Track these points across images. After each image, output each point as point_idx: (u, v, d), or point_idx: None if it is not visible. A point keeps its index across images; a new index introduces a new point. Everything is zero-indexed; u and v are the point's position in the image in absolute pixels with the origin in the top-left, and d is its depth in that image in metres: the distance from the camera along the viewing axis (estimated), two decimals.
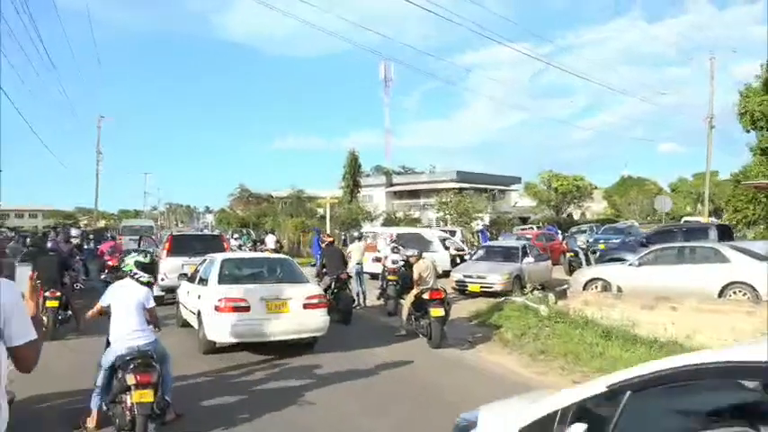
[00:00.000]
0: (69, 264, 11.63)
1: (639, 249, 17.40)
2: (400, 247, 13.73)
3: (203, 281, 9.19)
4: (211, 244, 14.33)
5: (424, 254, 11.02)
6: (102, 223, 66.47)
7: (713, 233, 16.40)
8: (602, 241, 31.54)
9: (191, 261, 12.52)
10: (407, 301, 10.03)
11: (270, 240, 25.68)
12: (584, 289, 14.25)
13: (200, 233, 21.37)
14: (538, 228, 35.11)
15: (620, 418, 2.19)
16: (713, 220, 36.01)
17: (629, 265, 13.78)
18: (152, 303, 5.47)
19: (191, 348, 8.87)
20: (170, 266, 13.44)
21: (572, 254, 22.08)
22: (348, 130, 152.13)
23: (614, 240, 31.01)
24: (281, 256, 10.09)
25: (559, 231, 34.11)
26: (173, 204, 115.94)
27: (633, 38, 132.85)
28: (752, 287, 12.18)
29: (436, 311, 9.22)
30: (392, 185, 58.17)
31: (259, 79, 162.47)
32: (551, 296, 14.35)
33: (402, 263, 13.14)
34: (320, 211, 41.67)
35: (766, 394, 2.53)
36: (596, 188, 61.45)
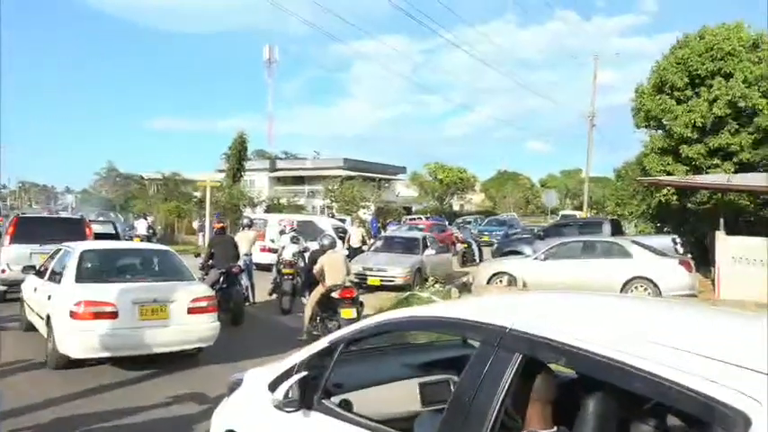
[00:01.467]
0: None
1: (535, 243, 17.34)
2: (300, 237, 12.30)
3: (56, 276, 7.24)
4: (70, 229, 11.96)
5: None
6: None
7: (607, 227, 16.57)
8: (486, 233, 32.08)
9: (42, 250, 10.39)
10: (312, 300, 8.69)
11: (141, 226, 23.02)
12: (488, 283, 13.70)
13: (55, 216, 18.44)
14: (426, 218, 34.95)
15: (335, 366, 2.62)
16: (579, 213, 37.88)
17: (535, 259, 13.37)
18: None
19: (37, 362, 6.96)
20: (14, 255, 11.08)
21: (465, 245, 21.77)
22: (225, 113, 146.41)
23: (498, 232, 31.62)
24: (159, 246, 8.29)
25: (447, 222, 34.21)
26: (26, 183, 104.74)
27: (506, 40, 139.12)
28: (653, 282, 12.19)
29: (347, 312, 7.97)
30: (276, 170, 55.94)
31: (133, 54, 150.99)
32: (454, 290, 13.66)
33: (301, 255, 11.75)
34: (197, 194, 38.76)
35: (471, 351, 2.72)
36: (477, 181, 63.13)
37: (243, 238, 11.87)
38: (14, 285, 10.37)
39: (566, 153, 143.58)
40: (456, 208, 55.47)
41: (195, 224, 31.29)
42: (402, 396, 3.11)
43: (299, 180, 54.46)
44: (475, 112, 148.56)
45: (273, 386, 2.75)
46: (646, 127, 17.79)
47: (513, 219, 38.24)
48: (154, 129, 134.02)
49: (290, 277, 11.36)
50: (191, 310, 6.82)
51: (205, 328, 6.95)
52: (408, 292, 12.78)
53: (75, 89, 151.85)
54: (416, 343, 3.61)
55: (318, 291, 8.64)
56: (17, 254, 11.05)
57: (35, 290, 7.82)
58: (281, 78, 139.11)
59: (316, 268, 8.56)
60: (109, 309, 6.32)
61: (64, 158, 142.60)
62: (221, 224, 11.47)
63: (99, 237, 13.06)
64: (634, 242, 13.35)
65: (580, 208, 59.04)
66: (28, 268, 8.38)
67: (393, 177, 59.22)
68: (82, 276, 6.81)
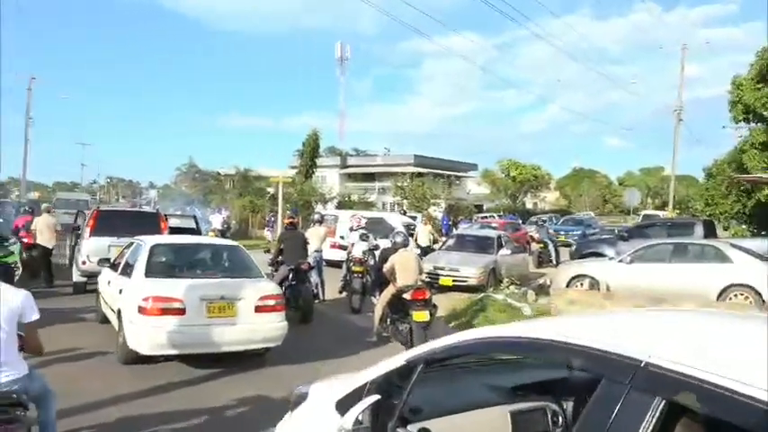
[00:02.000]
0: None
1: (618, 244, 16.31)
2: (369, 234, 11.99)
3: (127, 270, 7.20)
4: (145, 223, 12.20)
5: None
6: (34, 195, 62.37)
7: (699, 229, 15.32)
8: (562, 233, 30.80)
9: (119, 242, 10.39)
10: (382, 301, 8.31)
11: (216, 220, 23.52)
12: (567, 286, 12.90)
13: (132, 209, 19.02)
14: (499, 217, 34.02)
15: (413, 388, 2.28)
16: (664, 213, 35.78)
17: (620, 261, 12.46)
18: (34, 316, 3.54)
19: (110, 355, 6.94)
20: (93, 248, 11.30)
21: (541, 245, 20.85)
22: (298, 110, 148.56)
23: (575, 232, 30.30)
24: (229, 242, 8.14)
25: (520, 221, 33.15)
26: (114, 178, 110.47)
27: (583, 33, 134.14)
28: (754, 290, 11.07)
29: (419, 315, 7.54)
30: (346, 167, 56.21)
31: (209, 54, 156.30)
32: (531, 292, 12.97)
33: (371, 252, 11.43)
34: (269, 190, 39.40)
35: (571, 372, 2.72)
36: (552, 178, 61.22)
37: (313, 234, 11.67)
38: (94, 276, 10.57)
39: (645, 149, 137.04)
40: (529, 206, 53.90)
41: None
42: (491, 426, 2.67)
43: (370, 177, 54.51)
44: (549, 108, 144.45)
45: (342, 406, 2.48)
46: (744, 120, 16.37)
47: (591, 218, 36.64)
48: (230, 126, 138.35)
49: (360, 275, 11.06)
50: (258, 309, 6.59)
51: (273, 327, 6.70)
52: (482, 294, 12.21)
53: (158, 90, 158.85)
54: (504, 358, 3.10)
55: (389, 291, 8.26)
56: (96, 246, 11.29)
57: (108, 283, 7.83)
58: (352, 76, 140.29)
59: (386, 267, 8.18)
60: (177, 305, 6.17)
61: (148, 156, 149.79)
62: (291, 219, 11.22)
63: (180, 231, 13.35)
64: (733, 245, 12.20)
65: (662, 207, 56.13)
66: (103, 261, 8.45)
67: (464, 174, 58.29)
68: (151, 271, 6.71)
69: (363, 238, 11.74)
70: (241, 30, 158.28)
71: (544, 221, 22.74)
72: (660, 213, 34.56)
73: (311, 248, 11.01)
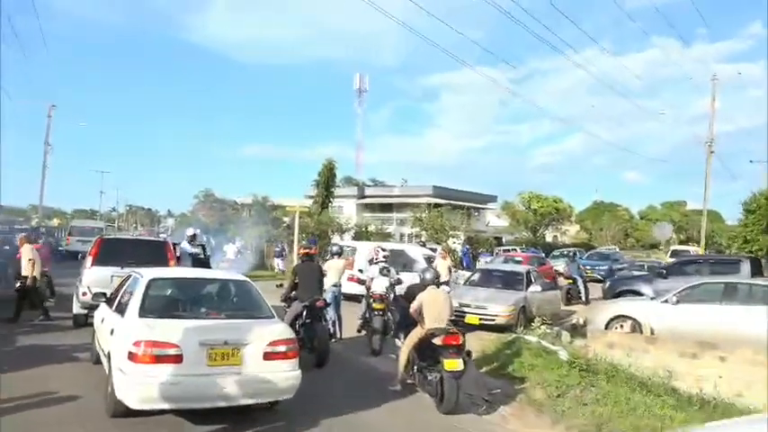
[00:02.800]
0: None
1: (656, 282, 15.24)
2: (391, 268, 11.07)
3: (121, 307, 6.36)
4: (152, 252, 11.54)
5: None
6: (54, 222, 62.51)
7: (746, 267, 14.19)
8: (588, 268, 29.59)
9: (122, 273, 9.56)
10: (408, 344, 7.38)
11: (230, 250, 22.79)
12: (606, 327, 11.85)
13: (138, 237, 18.40)
14: (521, 250, 32.92)
15: None
16: (694, 249, 34.39)
17: (664, 301, 11.39)
18: None
19: (98, 403, 6.06)
20: (95, 278, 10.67)
21: (570, 281, 19.75)
22: (315, 142, 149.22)
23: (601, 267, 29.08)
24: (235, 275, 7.24)
25: (543, 254, 32.03)
26: (133, 206, 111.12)
27: (600, 68, 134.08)
28: None
29: (452, 363, 6.58)
30: (364, 197, 55.59)
31: (225, 85, 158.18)
32: (565, 334, 11.92)
33: (392, 287, 10.51)
34: (285, 220, 38.81)
35: None
36: (574, 211, 60.00)
37: (332, 267, 10.78)
38: (94, 309, 9.81)
39: (664, 184, 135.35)
40: (549, 240, 52.60)
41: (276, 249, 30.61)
42: None
43: (387, 207, 53.78)
44: (566, 142, 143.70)
45: None
46: None
47: (617, 253, 35.36)
48: (249, 156, 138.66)
49: (381, 313, 10.13)
50: (268, 356, 5.69)
51: (284, 377, 5.78)
52: (513, 335, 11.20)
53: (177, 119, 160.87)
54: None
55: (416, 334, 7.33)
56: (98, 276, 10.66)
57: (102, 320, 7.02)
58: (370, 108, 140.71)
59: (413, 306, 7.26)
60: (172, 351, 5.30)
61: (167, 184, 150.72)
62: (308, 250, 10.15)
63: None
64: None
65: (686, 242, 54.55)
66: (98, 296, 7.63)
67: (483, 206, 57.32)
68: (146, 310, 5.86)
69: (384, 272, 10.83)
70: (261, 62, 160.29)
71: (574, 255, 21.55)
72: (690, 249, 33.19)
73: (329, 282, 10.14)
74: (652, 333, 11.15)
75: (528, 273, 14.38)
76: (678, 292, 11.39)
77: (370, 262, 11.26)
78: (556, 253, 35.00)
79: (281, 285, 10.12)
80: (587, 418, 6.76)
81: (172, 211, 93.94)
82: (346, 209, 49.81)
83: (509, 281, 13.94)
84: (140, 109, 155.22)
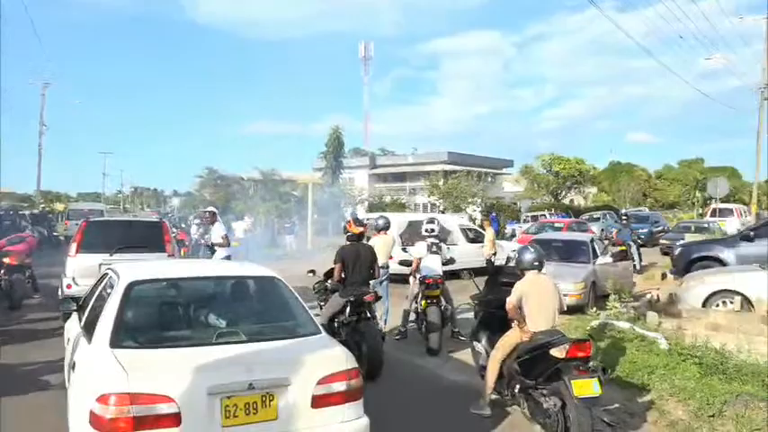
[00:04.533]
0: None
1: (739, 245, 13.02)
2: (442, 245, 8.90)
3: (89, 326, 4.22)
4: (146, 235, 9.70)
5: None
6: (59, 207, 60.73)
7: None
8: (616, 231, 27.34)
9: (112, 260, 8.16)
10: (500, 353, 5.25)
11: (239, 228, 20.65)
12: (703, 305, 9.72)
13: (130, 219, 16.39)
14: (551, 215, 30.70)
15: None
16: (737, 208, 32.04)
17: None
18: None
19: None
20: (80, 267, 9.07)
21: (622, 247, 17.54)
22: (320, 115, 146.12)
23: (642, 230, 26.79)
24: (259, 270, 4.95)
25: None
26: (139, 188, 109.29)
27: (601, 28, 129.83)
28: None
29: (584, 386, 4.44)
30: (375, 167, 53.31)
31: (226, 61, 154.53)
32: (652, 315, 9.76)
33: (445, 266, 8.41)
34: (295, 194, 36.74)
35: None
36: (597, 171, 57.54)
37: (381, 245, 8.55)
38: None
39: (672, 143, 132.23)
40: (576, 203, 50.22)
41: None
42: None
43: (400, 177, 51.54)
44: (572, 104, 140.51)
45: None
46: None
47: (656, 214, 33.07)
48: (253, 133, 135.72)
49: (436, 302, 8.02)
50: (319, 400, 3.58)
51: (343, 430, 3.68)
52: (596, 321, 9.06)
53: (182, 97, 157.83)
54: None
55: (512, 338, 5.19)
56: (83, 265, 8.99)
57: (68, 340, 4.93)
58: (374, 80, 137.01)
59: (512, 300, 5.11)
60: (165, 409, 3.18)
61: (172, 164, 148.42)
62: (360, 228, 7.40)
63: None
64: None
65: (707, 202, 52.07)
66: (66, 302, 5.48)
67: (499, 172, 54.93)
68: (122, 335, 3.70)
69: (434, 249, 8.67)
70: (262, 37, 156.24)
71: (626, 219, 19.31)
72: (731, 207, 30.80)
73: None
74: None
75: (592, 241, 12.19)
76: None
77: (428, 234, 8.99)
78: (585, 217, 32.76)
79: (312, 272, 7.98)
80: None
81: (178, 190, 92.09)
82: (358, 180, 47.65)
83: (572, 252, 11.74)
84: (144, 89, 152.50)
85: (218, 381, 3.34)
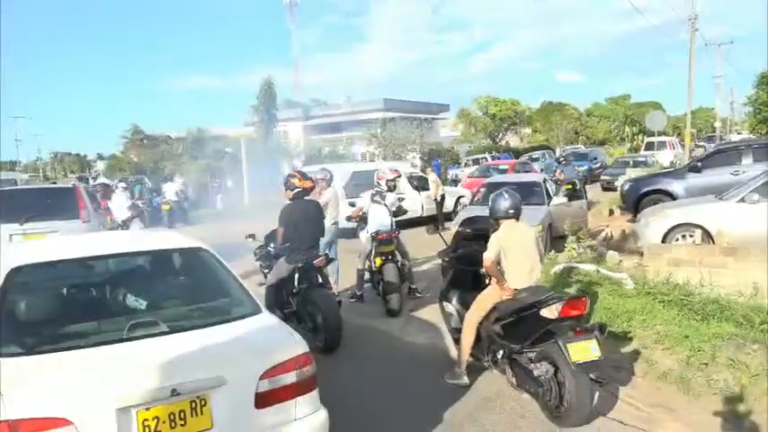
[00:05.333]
0: None
1: (687, 177, 12.91)
2: (388, 193, 8.01)
3: None
4: (58, 203, 8.68)
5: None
6: None
7: None
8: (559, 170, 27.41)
9: (24, 230, 8.04)
10: (475, 316, 4.60)
11: (170, 189, 19.24)
12: (663, 240, 9.43)
13: (38, 186, 15.03)
14: (492, 158, 30.44)
15: None
16: (670, 140, 32.74)
17: (739, 201, 8.96)
18: None
19: None
20: None
21: (569, 186, 17.32)
22: (249, 66, 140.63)
23: (581, 167, 26.90)
24: (178, 239, 3.89)
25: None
26: (59, 153, 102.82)
27: None
28: None
29: (582, 350, 3.83)
30: (309, 118, 51.56)
31: (141, 15, 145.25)
32: (612, 254, 9.42)
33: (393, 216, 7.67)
34: (228, 150, 35.04)
35: None
36: (533, 112, 57.85)
37: (328, 200, 7.67)
38: None
39: (599, 82, 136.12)
40: (512, 144, 50.29)
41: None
42: None
43: (335, 127, 50.04)
44: (501, 46, 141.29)
45: None
46: None
47: (595, 150, 33.38)
48: (179, 88, 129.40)
49: (391, 257, 7.29)
50: (265, 398, 2.83)
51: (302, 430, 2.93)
52: (558, 265, 8.60)
53: (97, 56, 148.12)
54: None
55: (490, 297, 4.54)
56: None
57: None
58: (301, 27, 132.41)
59: (489, 255, 4.41)
60: None
61: (92, 126, 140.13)
62: (306, 183, 6.32)
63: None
64: None
65: (639, 134, 53.26)
66: None
67: (437, 117, 54.23)
68: (4, 336, 2.78)
69: (377, 198, 7.78)
70: None
71: (565, 158, 19.15)
72: (664, 140, 31.39)
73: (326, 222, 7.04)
74: (727, 244, 8.77)
75: (544, 182, 11.73)
76: (755, 188, 8.94)
77: (387, 188, 8.05)
78: (525, 158, 32.71)
79: (252, 237, 7.04)
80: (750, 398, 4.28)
81: (103, 154, 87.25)
82: (292, 133, 45.97)
83: (526, 194, 11.09)
84: (56, 46, 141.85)
85: (131, 390, 2.51)
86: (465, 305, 4.94)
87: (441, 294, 5.47)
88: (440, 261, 5.90)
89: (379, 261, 7.29)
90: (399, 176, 8.44)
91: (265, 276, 6.53)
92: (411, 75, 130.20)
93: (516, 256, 4.42)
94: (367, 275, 7.66)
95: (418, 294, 7.71)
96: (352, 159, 39.57)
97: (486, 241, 4.63)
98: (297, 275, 5.80)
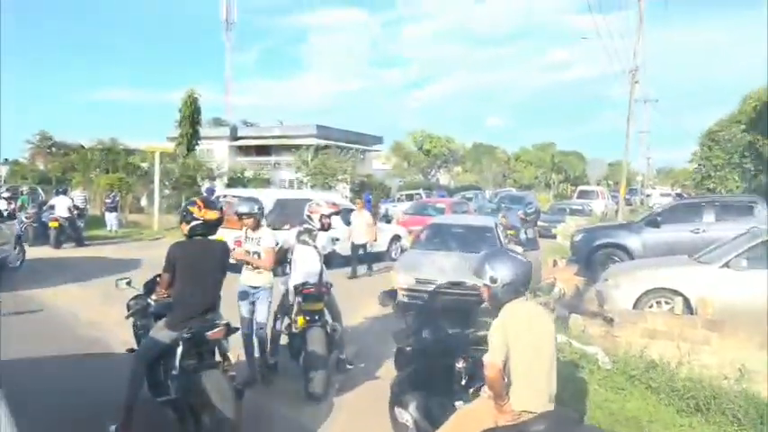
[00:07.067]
0: None
1: (644, 231, 11.97)
2: (319, 232, 6.20)
3: None
4: None
5: None
6: None
7: (762, 210, 11.08)
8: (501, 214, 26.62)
9: None
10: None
11: (61, 205, 16.57)
12: (634, 306, 8.18)
13: None
14: (426, 195, 29.28)
15: None
16: (601, 190, 32.87)
17: (724, 266, 7.83)
18: None
19: None
20: None
21: (511, 232, 16.14)
22: (175, 83, 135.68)
23: (519, 212, 26.12)
24: None
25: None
26: None
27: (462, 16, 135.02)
28: None
29: None
30: (237, 139, 49.07)
31: (61, 21, 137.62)
32: (576, 318, 8.05)
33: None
34: (143, 166, 32.38)
35: None
36: (467, 151, 57.83)
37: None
38: None
39: (526, 127, 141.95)
40: (443, 182, 49.79)
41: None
42: None
43: (264, 150, 47.85)
44: (434, 87, 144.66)
45: None
46: None
47: (529, 195, 32.90)
48: (97, 101, 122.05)
49: (317, 319, 5.51)
50: None
51: None
52: None
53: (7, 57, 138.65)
54: None
55: (475, 418, 2.88)
56: None
57: None
58: (236, 49, 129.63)
59: (491, 360, 2.75)
60: None
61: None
62: (211, 212, 4.26)
63: None
64: None
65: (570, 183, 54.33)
66: None
67: (369, 149, 53.10)
68: None
69: (304, 238, 6.00)
70: None
71: (503, 203, 18.08)
72: (596, 190, 31.35)
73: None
74: (711, 313, 7.59)
75: (497, 226, 10.36)
76: (741, 252, 7.85)
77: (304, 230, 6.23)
78: (458, 197, 31.83)
79: (127, 282, 4.94)
80: None
81: (8, 159, 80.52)
82: (217, 152, 43.39)
83: (476, 239, 9.80)
84: None
85: None
86: (430, 417, 3.25)
87: (392, 395, 3.74)
88: (384, 330, 4.20)
89: (301, 321, 5.49)
90: (338, 213, 6.71)
91: (138, 342, 4.58)
92: (346, 106, 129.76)
93: (526, 356, 2.80)
94: (284, 339, 5.81)
95: (348, 366, 5.92)
96: (278, 185, 37.56)
97: (465, 317, 3.03)
98: (180, 349, 3.91)
